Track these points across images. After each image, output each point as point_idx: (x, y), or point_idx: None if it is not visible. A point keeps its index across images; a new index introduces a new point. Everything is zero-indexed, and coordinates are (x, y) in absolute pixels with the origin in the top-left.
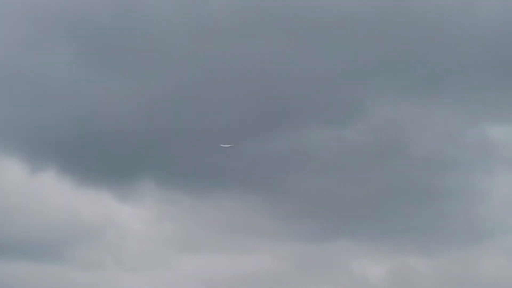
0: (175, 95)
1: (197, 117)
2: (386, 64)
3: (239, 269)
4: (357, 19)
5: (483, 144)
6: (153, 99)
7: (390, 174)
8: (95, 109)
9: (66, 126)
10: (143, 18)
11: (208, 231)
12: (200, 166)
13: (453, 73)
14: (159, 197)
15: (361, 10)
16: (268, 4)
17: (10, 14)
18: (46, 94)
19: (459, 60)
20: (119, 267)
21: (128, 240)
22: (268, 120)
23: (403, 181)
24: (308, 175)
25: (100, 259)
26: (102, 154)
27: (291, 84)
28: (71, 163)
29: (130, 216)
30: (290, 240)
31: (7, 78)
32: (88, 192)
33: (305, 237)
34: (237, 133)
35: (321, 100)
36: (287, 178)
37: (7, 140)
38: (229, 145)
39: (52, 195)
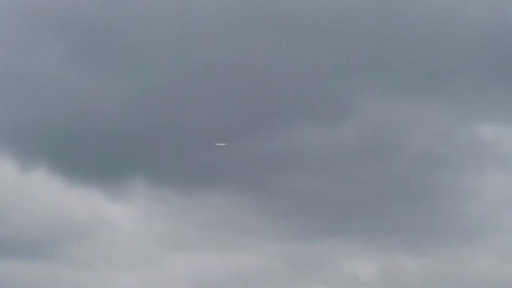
0: (166, 93)
1: (187, 115)
2: (378, 63)
3: (229, 268)
4: (348, 18)
5: (474, 143)
6: (144, 98)
7: (381, 173)
8: (86, 107)
9: (56, 124)
10: (133, 16)
11: (199, 229)
12: (191, 165)
13: (444, 73)
14: (149, 196)
15: (352, 8)
16: (259, 2)
17: None
18: (36, 92)
19: (450, 60)
20: (110, 266)
21: (119, 239)
22: (258, 118)
23: (393, 180)
24: (298, 173)
25: (90, 258)
26: (92, 153)
27: (282, 83)
28: (61, 162)
29: (120, 215)
30: (280, 239)
31: None
32: (78, 190)
33: (296, 235)
34: (228, 131)
35: (311, 99)
36: (278, 176)
37: None
38: (223, 144)
39: (42, 193)
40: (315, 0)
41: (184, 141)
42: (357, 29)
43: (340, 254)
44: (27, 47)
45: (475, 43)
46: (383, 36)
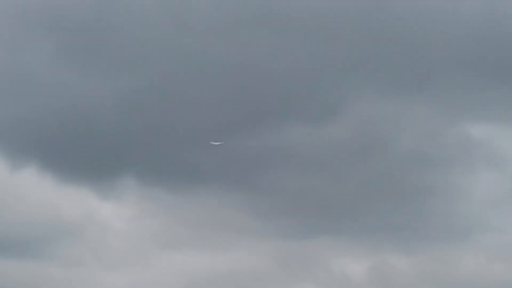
0: (156, 92)
1: (178, 114)
2: (368, 62)
3: (220, 266)
4: (339, 17)
5: (464, 142)
6: (135, 96)
7: (371, 172)
8: (76, 105)
9: (47, 123)
10: (124, 14)
11: (189, 228)
12: (181, 163)
13: (435, 72)
14: (140, 194)
15: (343, 8)
16: (251, 2)
17: None
18: (27, 90)
19: (441, 59)
20: (100, 264)
21: (109, 237)
22: (249, 117)
23: (384, 179)
24: (289, 172)
25: (81, 256)
26: (83, 151)
27: (272, 81)
28: (52, 160)
29: (111, 213)
30: (270, 238)
31: None
32: (69, 189)
33: (286, 234)
34: (219, 130)
35: (302, 98)
36: (268, 175)
37: None
38: (219, 143)
39: (33, 192)
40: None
41: (175, 139)
42: (348, 28)
43: (330, 253)
44: (18, 45)
45: (465, 42)
46: (374, 36)
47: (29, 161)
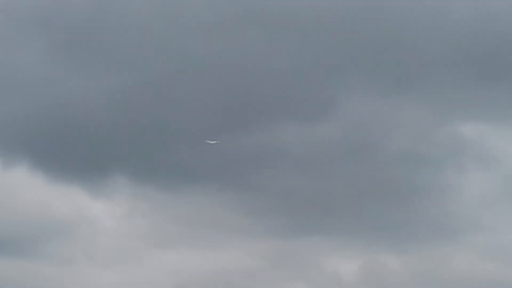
0: (148, 90)
1: (169, 113)
2: (359, 61)
3: (211, 265)
4: (330, 17)
5: (455, 141)
6: (126, 95)
7: (362, 171)
8: (67, 104)
9: (38, 121)
10: (116, 12)
11: (181, 227)
12: (172, 162)
13: (426, 71)
14: (131, 193)
15: (334, 7)
16: (242, 1)
17: None
18: (17, 89)
19: (432, 58)
20: (91, 263)
21: (100, 236)
22: (240, 116)
23: (375, 178)
24: (280, 171)
25: (71, 255)
26: (74, 150)
27: (264, 81)
28: (43, 158)
29: (102, 212)
30: (262, 237)
31: None
32: (60, 187)
33: (278, 233)
34: (210, 129)
35: (293, 97)
36: (259, 174)
37: None
38: (214, 142)
39: (24, 190)
40: None
41: (166, 138)
42: (339, 28)
43: (322, 252)
44: (8, 44)
45: (456, 42)
46: (365, 36)
47: (20, 159)
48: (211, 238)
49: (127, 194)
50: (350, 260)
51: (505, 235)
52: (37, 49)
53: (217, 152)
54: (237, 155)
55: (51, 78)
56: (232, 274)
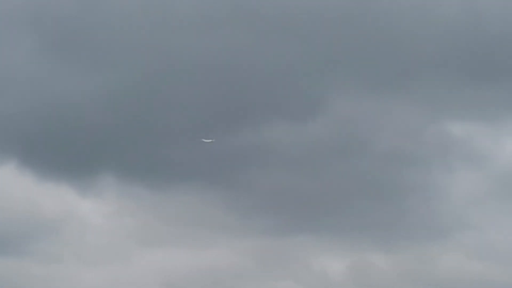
0: (137, 89)
1: (158, 111)
2: (348, 60)
3: (199, 263)
4: (320, 15)
5: (443, 141)
6: (115, 93)
7: (350, 170)
8: (57, 102)
9: (27, 119)
10: (106, 10)
11: (169, 225)
12: (160, 161)
13: (414, 71)
14: (119, 192)
15: (323, 7)
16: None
17: None
18: (7, 86)
19: (420, 58)
20: (79, 261)
21: (88, 234)
22: (229, 115)
23: (363, 177)
24: (268, 170)
25: (60, 253)
26: (63, 148)
27: (252, 80)
28: (32, 157)
29: (90, 210)
30: (250, 235)
31: None
32: (48, 186)
33: (265, 232)
34: (199, 128)
35: (282, 96)
36: (247, 173)
37: None
38: (210, 140)
39: (12, 188)
40: None
41: (154, 137)
42: (329, 28)
43: (310, 251)
44: None
45: (445, 41)
46: (354, 35)
47: (8, 157)
48: (199, 236)
49: (115, 192)
50: (338, 259)
51: (492, 234)
52: (26, 48)
53: (206, 151)
54: (225, 153)
55: (41, 77)
56: (220, 272)
